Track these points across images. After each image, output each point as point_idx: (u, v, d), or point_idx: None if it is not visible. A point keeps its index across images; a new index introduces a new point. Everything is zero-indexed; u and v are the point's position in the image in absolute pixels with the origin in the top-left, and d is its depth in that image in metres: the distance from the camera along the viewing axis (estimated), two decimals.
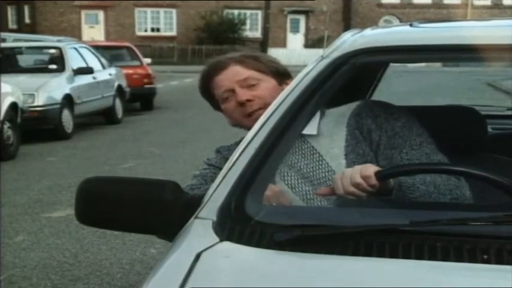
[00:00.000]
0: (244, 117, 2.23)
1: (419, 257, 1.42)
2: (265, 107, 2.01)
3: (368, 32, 2.07)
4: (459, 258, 1.40)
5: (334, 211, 1.79)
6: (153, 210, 1.73)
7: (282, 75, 2.30)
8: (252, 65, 2.27)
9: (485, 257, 1.40)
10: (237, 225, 1.56)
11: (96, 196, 1.79)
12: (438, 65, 28.97)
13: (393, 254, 1.43)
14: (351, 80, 2.03)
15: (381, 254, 1.43)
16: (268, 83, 2.26)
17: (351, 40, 1.97)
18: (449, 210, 1.65)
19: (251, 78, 2.24)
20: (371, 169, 1.75)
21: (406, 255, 1.42)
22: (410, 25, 2.09)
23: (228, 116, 2.29)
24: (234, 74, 2.24)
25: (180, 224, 1.69)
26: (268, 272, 1.47)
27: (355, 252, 1.44)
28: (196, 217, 1.65)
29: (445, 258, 1.41)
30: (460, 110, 2.51)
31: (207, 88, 2.32)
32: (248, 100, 2.21)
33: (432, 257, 1.41)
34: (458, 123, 2.41)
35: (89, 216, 1.84)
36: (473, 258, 1.40)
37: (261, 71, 2.26)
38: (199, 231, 1.60)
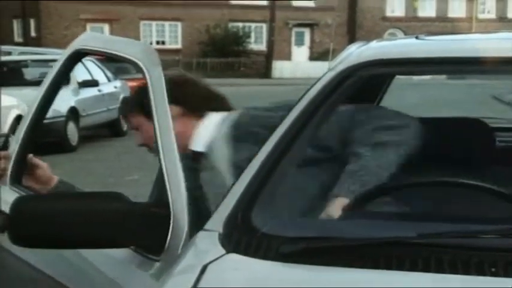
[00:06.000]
0: None
1: (426, 269, 1.41)
2: None
3: (374, 44, 2.07)
4: (467, 271, 1.40)
5: (340, 223, 1.79)
6: (99, 223, 1.69)
7: None
8: None
9: (493, 270, 1.39)
10: (243, 237, 1.56)
11: (34, 215, 1.70)
12: (443, 77, 28.95)
13: (400, 267, 1.42)
14: (357, 92, 2.03)
15: (387, 266, 1.43)
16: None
17: (357, 52, 1.97)
18: (457, 223, 1.65)
19: None
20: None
21: (413, 268, 1.42)
22: (416, 37, 2.10)
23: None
24: None
25: (132, 235, 1.69)
26: (274, 284, 1.46)
27: (361, 265, 1.44)
28: (202, 229, 1.65)
29: (453, 271, 1.40)
30: (469, 122, 2.51)
31: None
32: None
33: (439, 270, 1.41)
34: (467, 135, 2.41)
35: (26, 237, 1.72)
36: (481, 271, 1.39)
37: None
38: (206, 243, 1.60)
